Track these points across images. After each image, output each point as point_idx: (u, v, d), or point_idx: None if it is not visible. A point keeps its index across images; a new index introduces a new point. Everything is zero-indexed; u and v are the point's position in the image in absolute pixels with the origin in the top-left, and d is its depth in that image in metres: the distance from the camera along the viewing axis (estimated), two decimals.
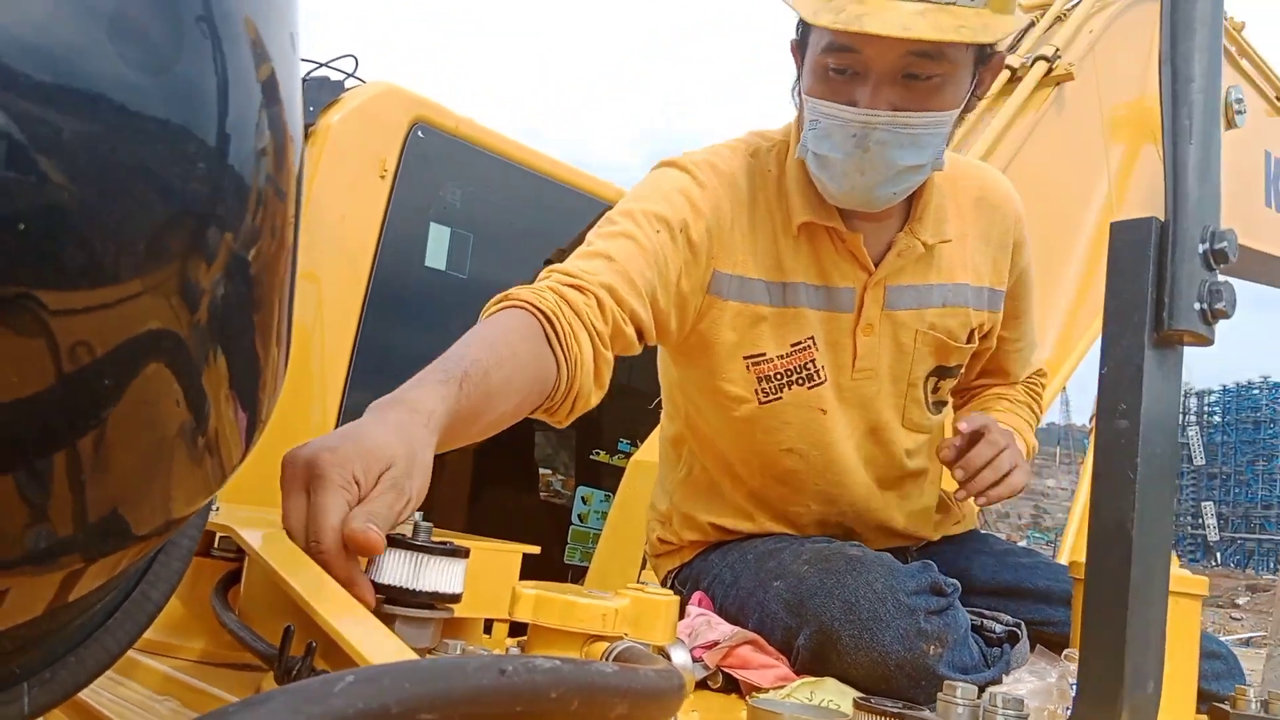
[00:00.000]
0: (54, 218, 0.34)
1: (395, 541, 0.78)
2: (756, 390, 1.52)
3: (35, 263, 0.35)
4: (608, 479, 3.53)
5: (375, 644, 0.58)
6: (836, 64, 1.37)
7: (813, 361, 1.52)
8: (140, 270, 0.38)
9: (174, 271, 0.41)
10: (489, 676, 0.45)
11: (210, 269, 0.42)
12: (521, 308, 1.22)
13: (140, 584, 0.58)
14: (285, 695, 0.39)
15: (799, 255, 1.51)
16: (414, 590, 0.75)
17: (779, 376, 1.52)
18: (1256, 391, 53.93)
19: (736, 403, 1.53)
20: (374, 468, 0.84)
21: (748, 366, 1.52)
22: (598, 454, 3.58)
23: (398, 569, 0.76)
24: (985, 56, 1.43)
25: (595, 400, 1.31)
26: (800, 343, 1.52)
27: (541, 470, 3.91)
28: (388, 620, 0.74)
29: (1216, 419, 56.04)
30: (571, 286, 1.29)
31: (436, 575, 0.77)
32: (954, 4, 1.30)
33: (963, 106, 1.42)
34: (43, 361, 0.38)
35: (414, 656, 0.59)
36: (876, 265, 1.52)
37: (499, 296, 1.26)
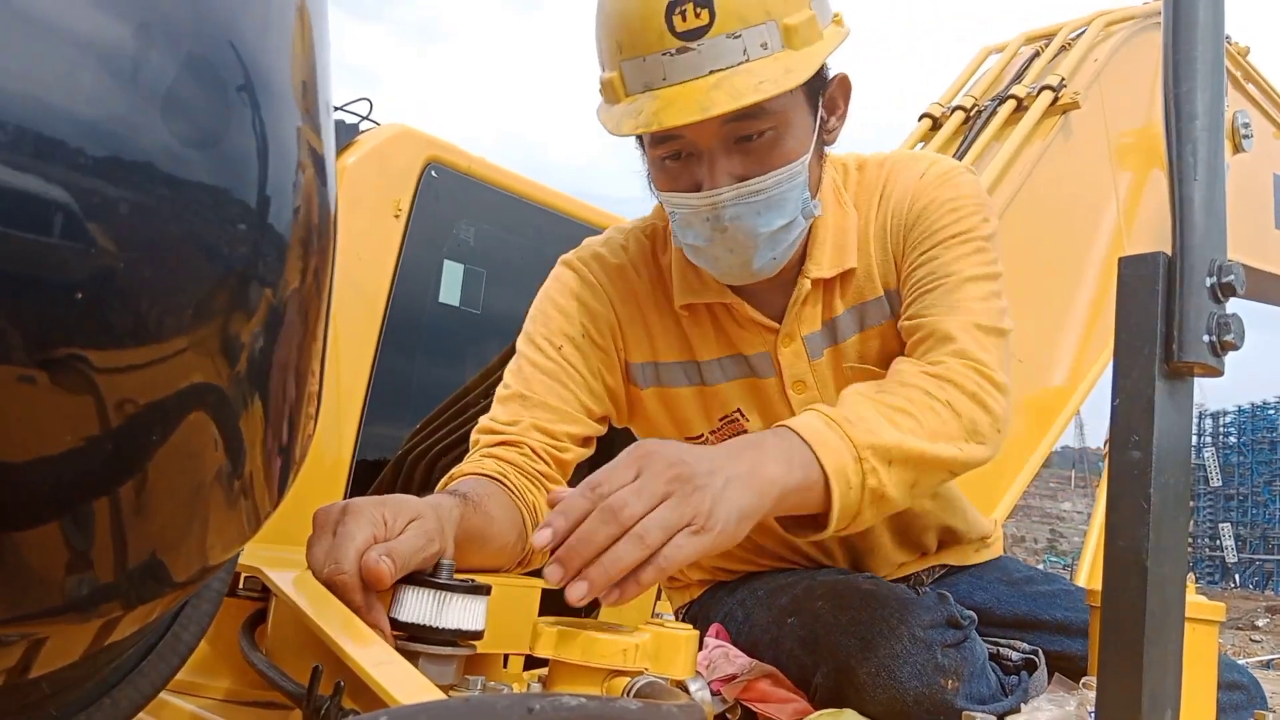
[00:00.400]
0: (105, 284, 0.36)
1: (418, 580, 0.79)
2: None
3: (86, 326, 0.37)
4: None
5: (402, 683, 0.59)
6: (667, 153, 1.31)
7: (744, 431, 1.48)
8: (184, 329, 0.40)
9: (216, 329, 0.43)
10: (518, 715, 0.46)
11: (250, 323, 0.44)
12: (471, 476, 1.30)
13: (173, 626, 0.59)
14: None
15: (704, 332, 1.48)
16: (437, 628, 0.77)
17: None
18: (1272, 412, 53.58)
19: None
20: (403, 515, 0.89)
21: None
22: None
23: (420, 607, 0.77)
24: (817, 87, 1.34)
25: None
26: (728, 416, 1.50)
27: None
28: (410, 658, 0.75)
29: (1232, 440, 55.68)
30: (502, 444, 1.36)
31: (459, 613, 0.78)
32: (748, 60, 1.22)
33: (813, 146, 1.34)
34: (90, 415, 0.40)
35: (439, 695, 0.60)
36: (781, 320, 1.44)
37: (443, 481, 1.33)
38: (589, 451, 1.46)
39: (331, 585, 0.83)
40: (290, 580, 0.77)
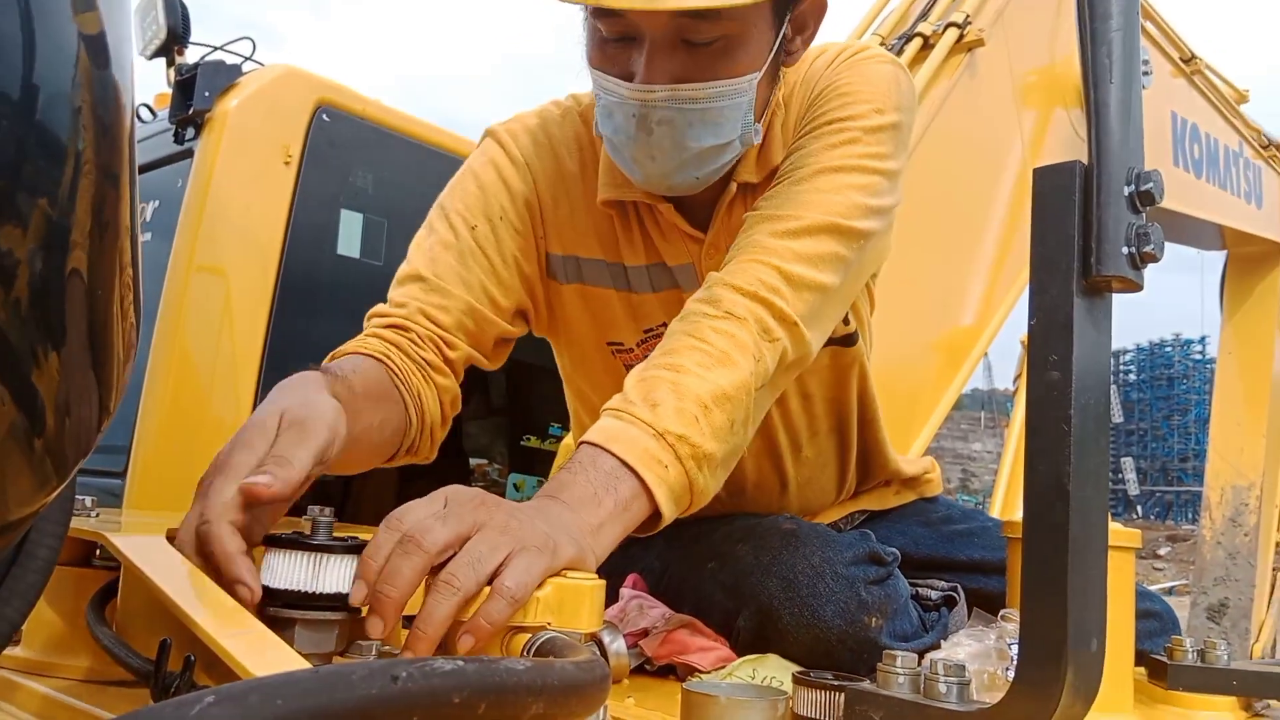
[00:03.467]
0: None
1: (290, 542, 0.72)
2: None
3: None
4: (541, 464, 3.48)
5: (260, 655, 0.52)
6: (608, 31, 1.17)
7: None
8: None
9: None
10: (379, 684, 0.40)
11: (24, 238, 0.37)
12: (350, 355, 1.19)
13: None
14: None
15: (630, 235, 1.36)
16: (314, 593, 0.69)
17: None
18: (1169, 349, 55.65)
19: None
20: (269, 424, 0.83)
21: (613, 353, 1.43)
22: (528, 439, 3.52)
23: (294, 571, 0.70)
24: (788, 2, 1.21)
25: (447, 425, 1.30)
26: (653, 330, 1.39)
27: (475, 460, 3.84)
28: (286, 626, 0.68)
29: (1132, 377, 57.73)
30: (389, 326, 1.25)
31: (338, 576, 0.71)
32: None
33: (767, 65, 1.20)
34: None
35: (301, 664, 0.54)
36: (706, 229, 1.33)
37: (328, 358, 1.21)
38: (491, 358, 1.33)
39: (203, 541, 0.75)
40: (139, 545, 0.69)
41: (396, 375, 1.19)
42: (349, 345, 1.22)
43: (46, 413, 0.41)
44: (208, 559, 0.74)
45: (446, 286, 1.28)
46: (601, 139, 1.29)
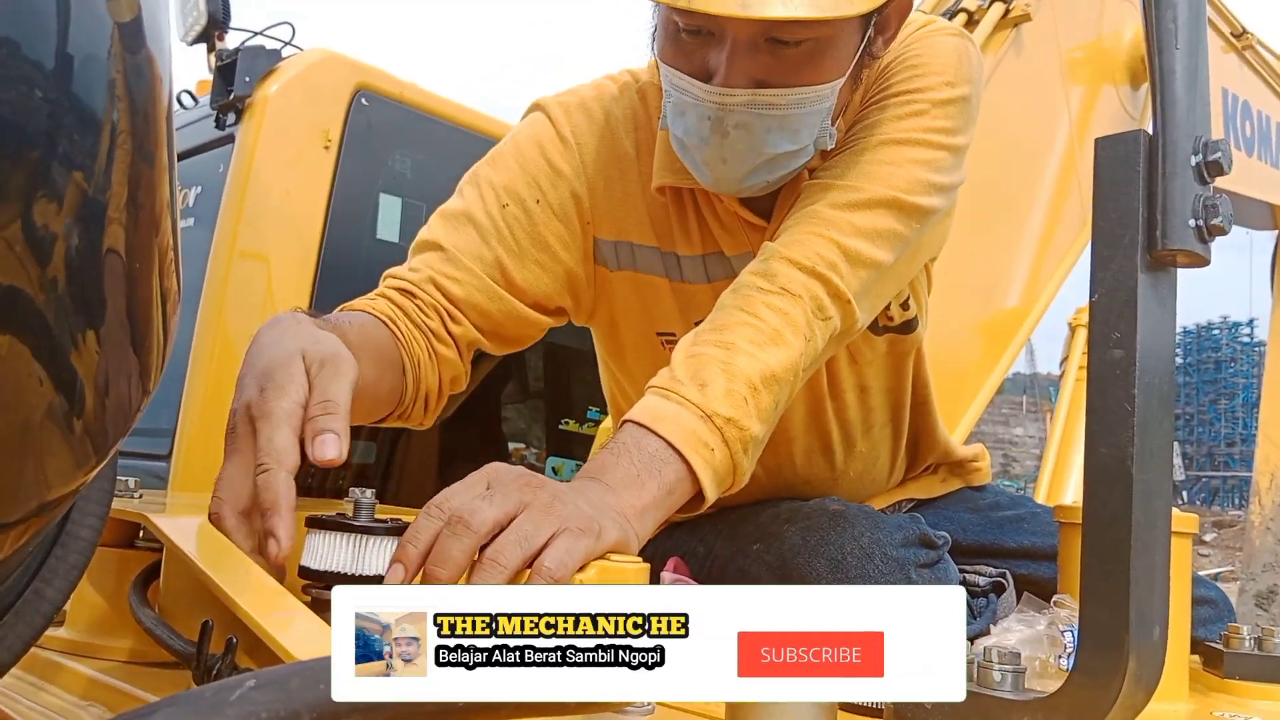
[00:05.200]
0: None
1: (333, 524, 0.71)
2: None
3: None
4: (579, 448, 3.48)
5: (302, 637, 0.52)
6: (687, 25, 1.11)
7: None
8: None
9: (12, 220, 0.34)
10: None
11: (59, 213, 0.36)
12: (356, 313, 1.16)
13: (33, 581, 0.51)
14: (172, 707, 0.32)
15: (685, 223, 1.31)
16: (356, 575, 0.69)
17: None
18: (1217, 332, 54.69)
19: None
20: (294, 366, 0.82)
21: (663, 344, 1.37)
22: (567, 423, 3.52)
23: (336, 552, 0.69)
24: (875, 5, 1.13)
25: (444, 397, 1.25)
26: (702, 321, 1.36)
27: (513, 444, 3.85)
28: (328, 607, 0.68)
29: (1179, 360, 56.79)
30: (400, 291, 1.21)
31: (380, 557, 0.70)
32: None
33: (851, 70, 1.15)
34: None
35: None
36: (770, 218, 1.27)
37: (337, 309, 1.19)
38: (507, 342, 1.29)
39: (262, 489, 0.72)
40: (182, 526, 0.68)
41: (400, 338, 1.16)
42: (358, 303, 1.19)
43: (86, 393, 0.40)
44: (266, 507, 0.72)
45: (462, 259, 1.24)
46: (659, 124, 1.24)
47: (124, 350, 0.41)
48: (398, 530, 0.72)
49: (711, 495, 0.97)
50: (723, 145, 1.12)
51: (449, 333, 1.23)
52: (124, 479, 0.82)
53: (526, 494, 0.77)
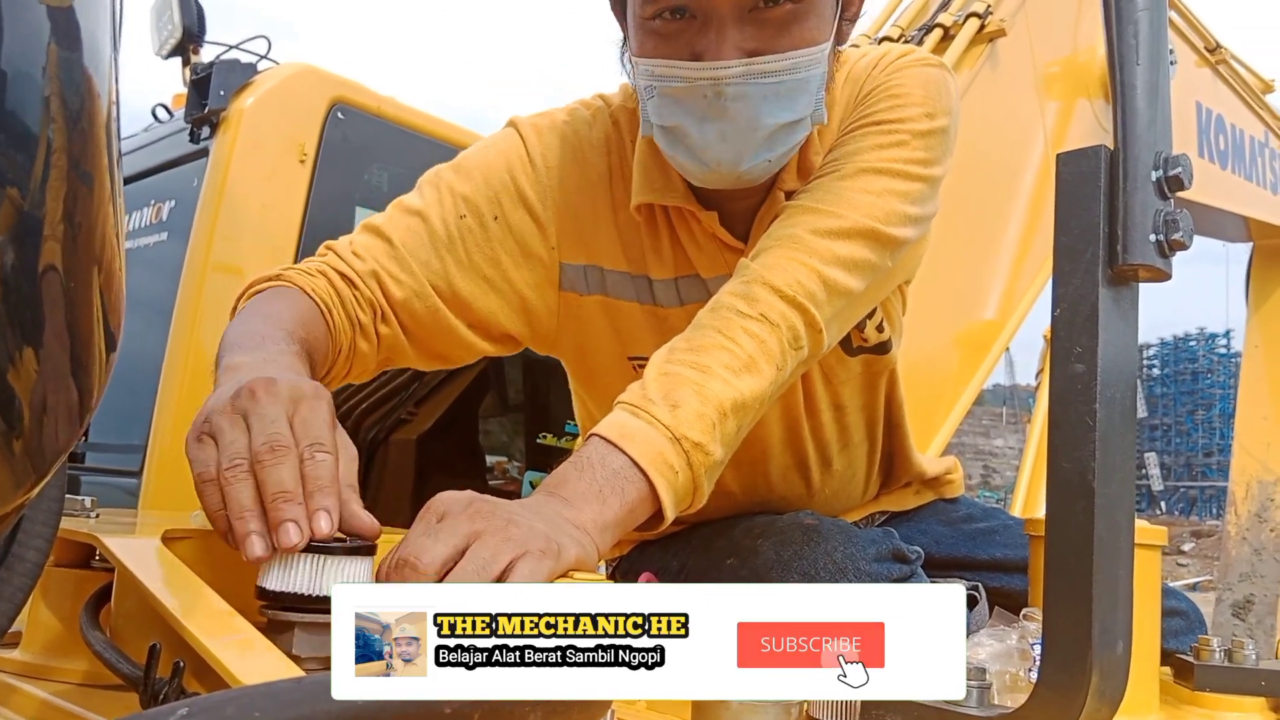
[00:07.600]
0: None
1: None
2: None
3: None
4: (556, 461, 3.46)
5: (250, 661, 0.51)
6: (661, 9, 1.10)
7: None
8: None
9: None
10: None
11: None
12: (295, 290, 1.13)
13: None
14: None
15: (659, 245, 1.28)
16: (313, 596, 0.67)
17: None
18: (1193, 344, 55.12)
19: None
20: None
21: (634, 368, 1.34)
22: (544, 437, 3.51)
23: (294, 573, 0.68)
24: None
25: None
26: None
27: (492, 458, 3.83)
28: (285, 629, 0.67)
29: (1156, 371, 57.21)
30: (341, 276, 1.18)
31: (339, 578, 0.69)
32: None
33: (833, 36, 1.15)
34: None
35: (294, 670, 0.52)
36: (747, 240, 1.25)
37: (267, 275, 1.15)
38: (436, 358, 1.27)
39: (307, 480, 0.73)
40: (132, 547, 0.67)
41: (330, 328, 1.13)
42: (297, 276, 1.15)
43: (24, 412, 0.39)
44: (322, 486, 0.73)
45: (409, 261, 1.21)
46: (635, 144, 1.24)
47: (63, 368, 0.40)
48: (357, 550, 0.71)
49: (670, 516, 0.96)
50: (722, 122, 1.11)
51: (375, 331, 1.20)
52: (81, 498, 0.81)
53: (478, 522, 0.74)
